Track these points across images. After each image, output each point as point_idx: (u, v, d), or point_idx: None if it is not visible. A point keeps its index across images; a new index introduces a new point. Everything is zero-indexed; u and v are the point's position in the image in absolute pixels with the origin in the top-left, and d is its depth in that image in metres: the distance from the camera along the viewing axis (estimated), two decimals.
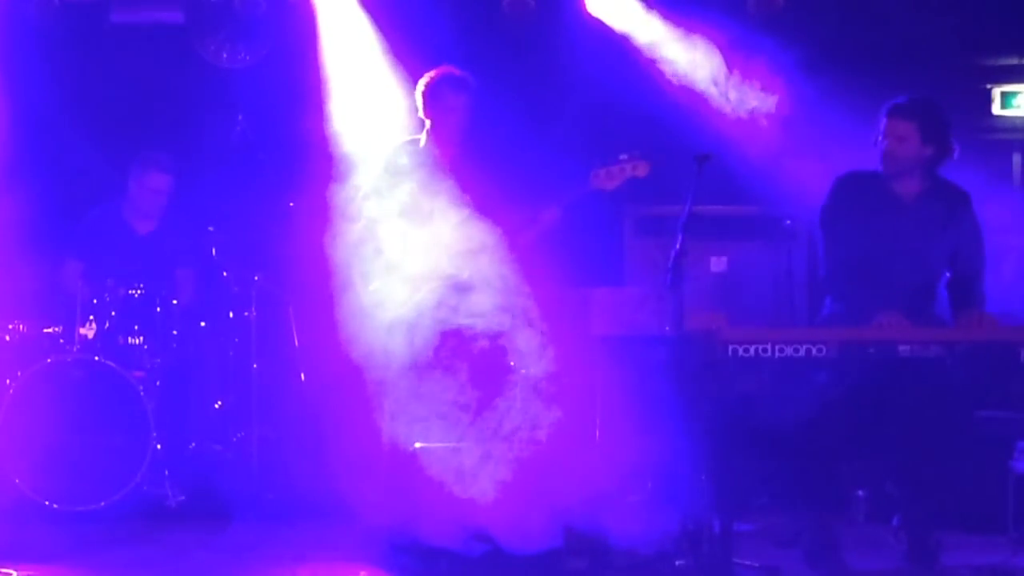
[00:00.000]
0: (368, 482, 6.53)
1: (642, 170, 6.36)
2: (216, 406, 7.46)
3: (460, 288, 6.34)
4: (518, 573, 5.60)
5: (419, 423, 5.98)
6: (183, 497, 6.99)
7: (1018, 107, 8.55)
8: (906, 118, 5.86)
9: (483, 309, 6.20)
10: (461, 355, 6.08)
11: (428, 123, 6.60)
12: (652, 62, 7.81)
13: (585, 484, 5.75)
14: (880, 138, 5.93)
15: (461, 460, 5.76)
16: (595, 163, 6.36)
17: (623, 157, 6.33)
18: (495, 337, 6.13)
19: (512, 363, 6.20)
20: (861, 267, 5.91)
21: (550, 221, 6.40)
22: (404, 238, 6.42)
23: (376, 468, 6.40)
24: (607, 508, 5.78)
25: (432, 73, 6.62)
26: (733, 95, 7.30)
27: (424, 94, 6.59)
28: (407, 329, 6.25)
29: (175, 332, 7.28)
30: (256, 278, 7.39)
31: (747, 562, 5.68)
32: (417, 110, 6.65)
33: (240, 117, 7.27)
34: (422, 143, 6.59)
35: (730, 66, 7.42)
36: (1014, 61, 8.51)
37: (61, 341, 7.07)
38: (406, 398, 6.04)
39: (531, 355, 6.21)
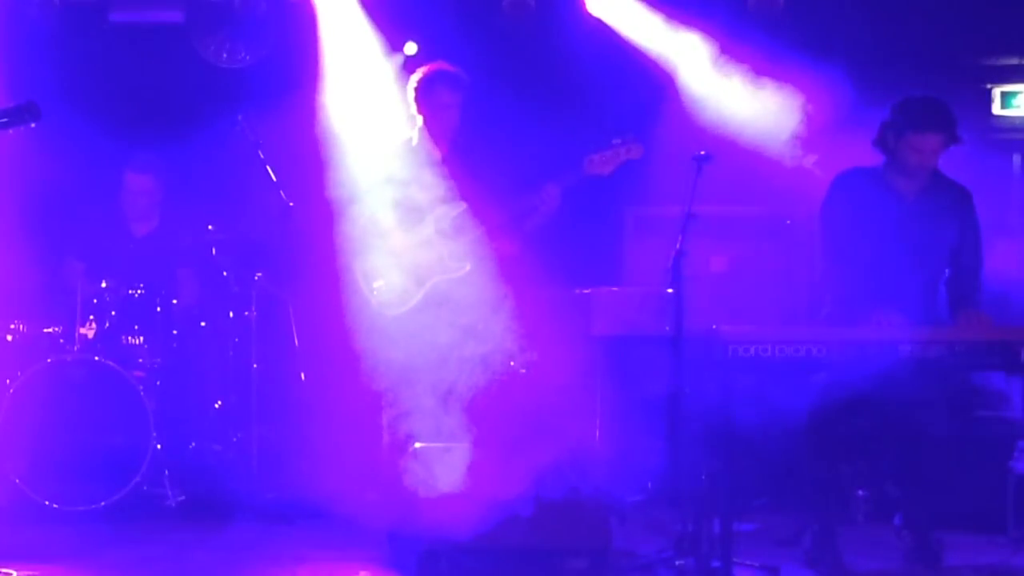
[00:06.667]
0: (368, 482, 6.54)
1: (636, 152, 6.36)
2: (216, 406, 7.45)
3: (457, 284, 6.35)
4: (518, 572, 5.61)
5: (419, 422, 5.98)
6: (183, 497, 6.99)
7: (1018, 107, 8.54)
8: (937, 132, 5.82)
9: (481, 306, 6.20)
10: (461, 354, 6.08)
11: (420, 119, 6.60)
12: (652, 61, 7.83)
13: (585, 483, 5.75)
14: (908, 150, 5.87)
15: (460, 459, 5.76)
16: (589, 149, 6.36)
17: (616, 141, 6.34)
18: (494, 335, 6.14)
19: (512, 363, 6.20)
20: (863, 265, 5.91)
21: (549, 208, 6.38)
22: (403, 236, 6.43)
23: (376, 468, 6.41)
24: (607, 507, 5.78)
25: (424, 69, 6.62)
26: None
27: (417, 91, 6.59)
28: (408, 327, 6.26)
29: (175, 332, 7.28)
30: (256, 278, 7.38)
31: (747, 562, 5.68)
32: (409, 104, 6.65)
33: (240, 117, 7.26)
34: (414, 140, 6.60)
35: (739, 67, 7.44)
36: (1014, 61, 8.51)
37: (61, 341, 7.07)
38: (406, 397, 6.04)
39: (529, 352, 6.22)
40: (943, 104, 5.86)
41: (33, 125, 5.24)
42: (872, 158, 6.05)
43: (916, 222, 5.91)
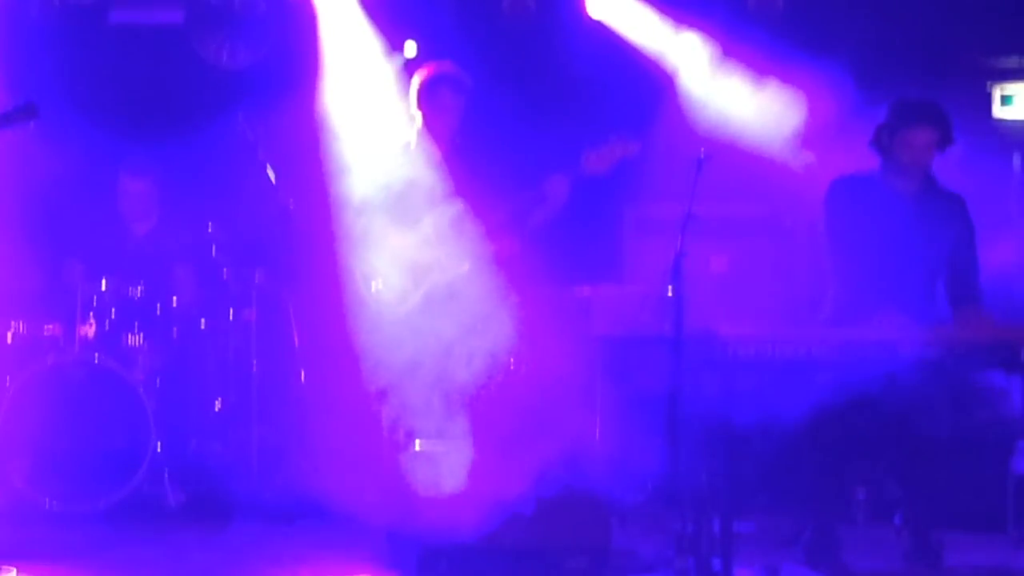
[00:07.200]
0: (368, 482, 6.53)
1: (632, 149, 6.36)
2: (216, 406, 7.45)
3: (456, 285, 6.35)
4: (518, 572, 5.60)
5: (419, 422, 5.98)
6: (183, 497, 6.99)
7: (1018, 107, 8.54)
8: (928, 126, 5.87)
9: (480, 306, 6.20)
10: (460, 353, 6.08)
11: (419, 116, 6.59)
12: (652, 61, 7.83)
13: (584, 483, 5.75)
14: (902, 147, 5.91)
15: (460, 459, 5.76)
16: (586, 147, 6.37)
17: (613, 138, 6.35)
18: (494, 335, 6.13)
19: (512, 362, 6.20)
20: (863, 267, 5.91)
21: (558, 200, 6.37)
22: (401, 236, 6.43)
23: (376, 468, 6.41)
24: (607, 507, 5.78)
25: (428, 69, 6.61)
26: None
27: (419, 91, 6.59)
28: (407, 327, 6.25)
29: (175, 332, 7.28)
30: (256, 277, 7.38)
31: (747, 562, 5.68)
32: (410, 104, 6.65)
33: (240, 117, 7.26)
34: (414, 140, 6.59)
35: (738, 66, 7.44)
36: (1014, 61, 8.51)
37: (61, 341, 7.07)
38: (406, 397, 6.04)
39: (529, 352, 6.22)
40: (935, 103, 5.93)
41: (31, 123, 5.23)
42: (871, 158, 6.06)
43: (914, 223, 5.93)
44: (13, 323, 7.07)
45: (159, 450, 6.88)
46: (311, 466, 7.11)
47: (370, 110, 7.25)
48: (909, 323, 5.63)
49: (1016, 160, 8.63)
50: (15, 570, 5.53)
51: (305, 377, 7.46)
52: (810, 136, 7.13)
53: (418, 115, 6.60)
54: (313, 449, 7.17)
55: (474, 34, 7.81)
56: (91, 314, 7.09)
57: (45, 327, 7.10)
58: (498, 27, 8.07)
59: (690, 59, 7.72)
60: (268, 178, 7.27)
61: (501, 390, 6.05)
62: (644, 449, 6.46)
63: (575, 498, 5.69)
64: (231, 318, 7.44)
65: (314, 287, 7.20)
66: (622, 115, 7.54)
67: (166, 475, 6.96)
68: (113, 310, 7.11)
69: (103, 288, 7.11)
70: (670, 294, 5.78)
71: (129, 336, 7.14)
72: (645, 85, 7.85)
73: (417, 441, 5.94)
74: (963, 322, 5.86)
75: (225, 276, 7.44)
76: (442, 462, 5.75)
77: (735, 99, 7.43)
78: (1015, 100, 8.53)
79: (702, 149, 5.92)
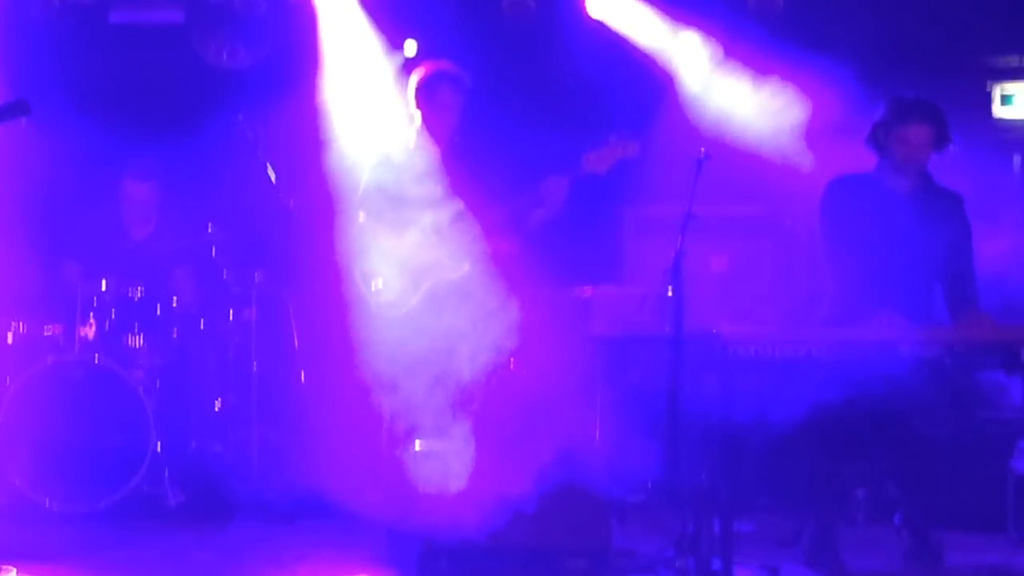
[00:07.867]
0: (368, 481, 6.54)
1: (632, 150, 6.38)
2: (216, 406, 7.45)
3: (456, 284, 6.35)
4: (518, 571, 5.61)
5: (419, 422, 5.98)
6: (183, 497, 6.99)
7: (1018, 107, 8.54)
8: (924, 123, 5.89)
9: (480, 306, 6.20)
10: (460, 354, 6.08)
11: (418, 115, 6.59)
12: (652, 61, 7.83)
13: (584, 483, 5.75)
14: (898, 144, 5.93)
15: (460, 459, 5.76)
16: (586, 147, 6.38)
17: (612, 139, 6.36)
18: (494, 335, 6.14)
19: (512, 362, 6.21)
20: (861, 267, 5.91)
21: (556, 201, 6.38)
22: (400, 236, 6.43)
23: (376, 467, 6.41)
24: (607, 507, 5.78)
25: (426, 68, 6.62)
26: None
27: (418, 89, 6.59)
28: (407, 327, 6.26)
29: (175, 332, 7.28)
30: (256, 277, 7.38)
31: (747, 562, 5.68)
32: (408, 103, 6.66)
33: (240, 117, 7.26)
34: (413, 139, 6.60)
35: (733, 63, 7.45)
36: (1014, 61, 8.51)
37: (61, 342, 7.07)
38: (406, 397, 6.04)
39: (529, 352, 6.22)
40: (931, 101, 5.95)
41: (23, 120, 5.21)
42: (872, 156, 6.07)
43: (911, 221, 5.93)
44: (13, 323, 7.07)
45: (159, 450, 6.88)
46: (311, 465, 7.11)
47: (370, 109, 7.26)
48: (908, 323, 5.64)
49: (1016, 160, 8.63)
50: (15, 570, 5.52)
51: (305, 377, 7.46)
52: (812, 135, 7.13)
53: (417, 114, 6.60)
54: (313, 449, 7.17)
55: (474, 34, 7.81)
56: (91, 315, 7.09)
57: (45, 327, 7.10)
58: (498, 27, 8.07)
59: (690, 59, 7.72)
60: (268, 178, 7.27)
61: (501, 390, 6.05)
62: (644, 449, 6.47)
63: (575, 498, 5.69)
64: (231, 318, 7.44)
65: (314, 287, 7.20)
66: (622, 115, 7.53)
67: (166, 475, 6.96)
68: (113, 311, 7.11)
69: (103, 289, 7.11)
70: (670, 294, 5.78)
71: (129, 337, 7.14)
72: (645, 85, 7.85)
73: (417, 440, 5.93)
74: (964, 322, 5.85)
75: (225, 277, 7.44)
76: (442, 461, 5.75)
77: (736, 98, 7.43)
78: (1015, 100, 8.53)
79: (702, 149, 5.92)
